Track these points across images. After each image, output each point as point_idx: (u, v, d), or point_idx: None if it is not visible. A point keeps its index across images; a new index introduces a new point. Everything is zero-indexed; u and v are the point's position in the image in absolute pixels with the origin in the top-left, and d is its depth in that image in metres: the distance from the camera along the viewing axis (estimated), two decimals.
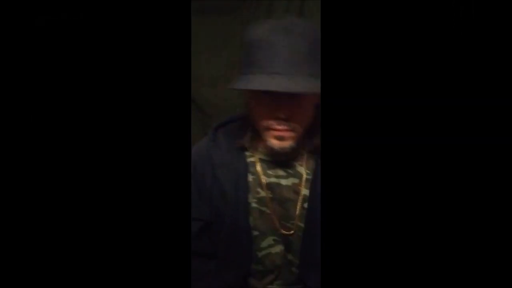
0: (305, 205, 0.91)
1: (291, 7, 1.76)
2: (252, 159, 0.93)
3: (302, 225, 0.91)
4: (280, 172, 0.92)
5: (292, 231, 0.91)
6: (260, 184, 0.91)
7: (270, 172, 0.92)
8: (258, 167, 0.92)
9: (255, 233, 0.92)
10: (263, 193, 0.91)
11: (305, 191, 0.91)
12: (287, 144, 0.86)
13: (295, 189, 0.91)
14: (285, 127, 0.84)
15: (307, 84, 0.80)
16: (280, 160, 0.92)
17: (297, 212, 0.91)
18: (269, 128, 0.85)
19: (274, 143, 0.85)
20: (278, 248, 0.93)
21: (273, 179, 0.92)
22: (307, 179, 0.91)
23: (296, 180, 0.92)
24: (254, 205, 0.92)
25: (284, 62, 0.80)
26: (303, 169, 0.92)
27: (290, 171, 0.92)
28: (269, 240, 0.93)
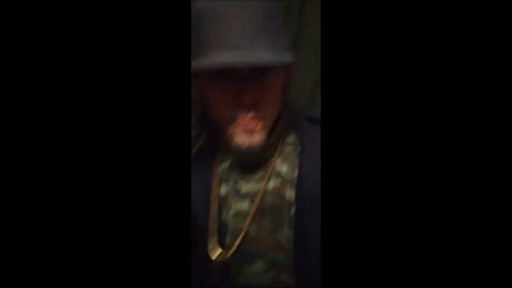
0: (292, 210, 0.74)
1: (291, 7, 1.76)
2: (219, 168, 0.77)
3: (291, 238, 0.74)
4: (255, 176, 0.75)
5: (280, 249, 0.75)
6: (236, 195, 0.75)
7: (244, 178, 0.76)
8: (230, 175, 0.77)
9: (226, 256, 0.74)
10: (242, 206, 0.75)
11: (290, 194, 0.75)
12: (257, 138, 0.71)
13: (278, 194, 0.75)
14: (253, 115, 0.70)
15: (274, 56, 0.68)
16: (252, 162, 0.75)
17: (285, 221, 0.74)
18: (233, 121, 0.71)
19: (243, 139, 0.70)
20: (271, 275, 0.75)
21: (250, 187, 0.75)
22: (287, 178, 0.76)
23: (277, 182, 0.76)
24: (231, 223, 0.75)
25: (242, 33, 0.67)
26: (284, 167, 0.76)
27: (266, 172, 0.75)
28: (258, 265, 0.76)
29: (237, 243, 0.74)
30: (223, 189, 0.76)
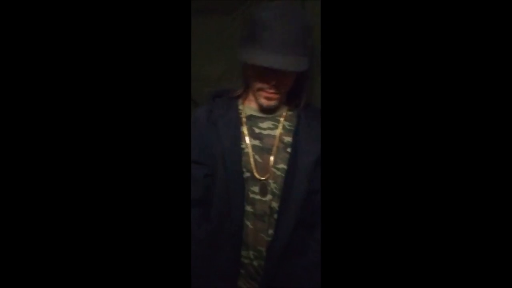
0: (288, 149, 1.11)
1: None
2: (243, 115, 1.15)
3: (285, 167, 1.10)
4: (267, 125, 1.14)
5: (268, 175, 1.10)
6: (251, 134, 1.13)
7: (259, 124, 1.14)
8: (249, 120, 1.14)
9: (246, 174, 1.10)
10: (254, 142, 1.12)
11: (288, 139, 1.13)
12: (273, 103, 1.12)
13: (280, 138, 1.13)
14: (273, 91, 1.09)
15: (297, 62, 1.05)
16: (267, 116, 1.15)
17: (280, 156, 1.11)
18: (261, 90, 1.10)
19: (264, 101, 1.11)
20: (268, 197, 1.10)
21: (262, 130, 1.13)
22: (289, 130, 1.14)
23: (281, 131, 1.14)
24: (246, 150, 1.11)
25: (281, 42, 1.02)
26: (286, 123, 1.15)
27: (275, 123, 1.14)
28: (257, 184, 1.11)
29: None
30: (243, 128, 1.14)
